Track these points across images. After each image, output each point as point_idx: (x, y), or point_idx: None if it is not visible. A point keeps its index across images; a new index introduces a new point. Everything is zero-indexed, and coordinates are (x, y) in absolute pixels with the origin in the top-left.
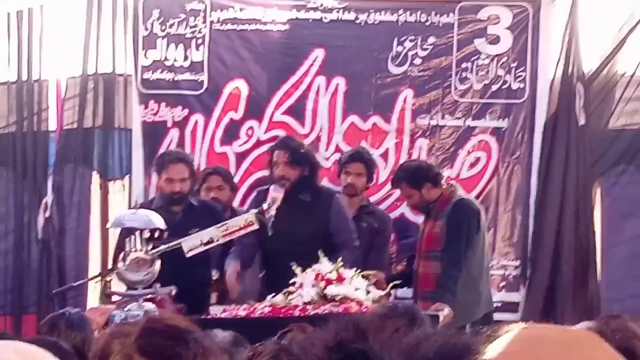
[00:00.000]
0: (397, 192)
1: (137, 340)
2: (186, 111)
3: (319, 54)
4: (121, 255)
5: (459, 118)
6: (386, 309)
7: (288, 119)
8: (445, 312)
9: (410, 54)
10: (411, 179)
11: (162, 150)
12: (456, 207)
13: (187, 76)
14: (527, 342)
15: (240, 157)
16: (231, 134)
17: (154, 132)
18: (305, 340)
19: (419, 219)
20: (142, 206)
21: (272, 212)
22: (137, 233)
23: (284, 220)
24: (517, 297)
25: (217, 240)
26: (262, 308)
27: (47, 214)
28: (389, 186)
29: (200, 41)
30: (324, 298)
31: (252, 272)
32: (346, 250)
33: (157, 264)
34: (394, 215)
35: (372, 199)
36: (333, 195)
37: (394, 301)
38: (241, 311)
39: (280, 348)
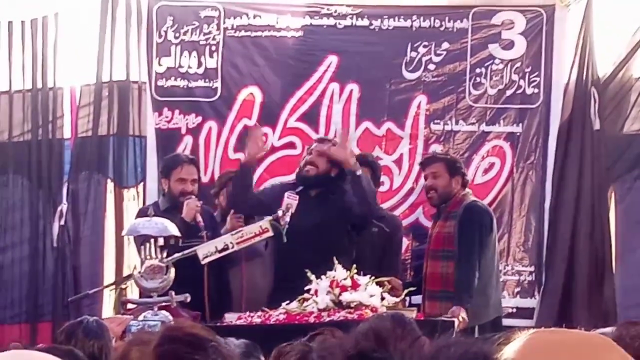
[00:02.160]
0: (412, 198)
1: (156, 348)
2: (200, 118)
3: (332, 60)
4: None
5: (473, 123)
6: (372, 322)
7: (302, 125)
8: (461, 317)
9: (424, 59)
10: (452, 163)
11: None
12: (468, 209)
13: (201, 83)
14: (540, 347)
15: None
16: (245, 140)
17: (168, 139)
18: (325, 348)
19: None
20: (146, 210)
21: (287, 218)
22: (152, 240)
23: (305, 212)
24: (532, 302)
25: (232, 247)
26: (277, 315)
27: (62, 222)
28: (403, 192)
29: (214, 48)
30: (339, 305)
31: (264, 275)
32: None
33: (172, 272)
34: (408, 221)
35: (387, 204)
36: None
37: (381, 312)
38: (256, 318)
39: (308, 350)
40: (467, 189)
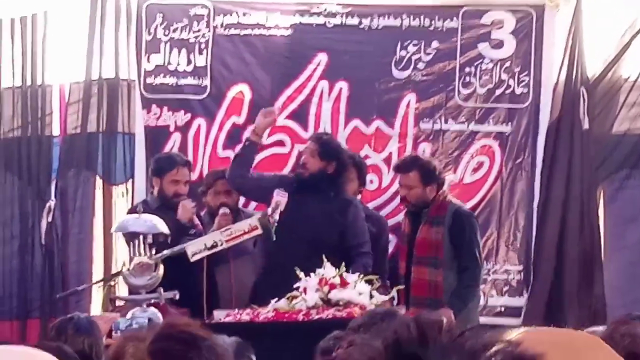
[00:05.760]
0: (399, 197)
1: (150, 345)
2: (189, 115)
3: (322, 58)
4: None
5: (462, 122)
6: (366, 317)
7: (291, 124)
8: (448, 318)
9: (413, 58)
10: (426, 172)
11: None
12: (461, 217)
13: (190, 81)
14: (529, 345)
15: None
16: (234, 138)
17: (156, 136)
18: (371, 335)
19: None
20: (137, 207)
21: (276, 216)
22: (141, 237)
23: (301, 209)
24: (520, 302)
25: (221, 245)
26: (265, 313)
27: (50, 219)
28: (391, 191)
29: (203, 46)
30: (328, 303)
31: (252, 272)
32: (358, 257)
33: (161, 269)
34: (396, 219)
35: (375, 203)
36: (353, 200)
37: (372, 308)
38: (244, 316)
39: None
40: (444, 189)
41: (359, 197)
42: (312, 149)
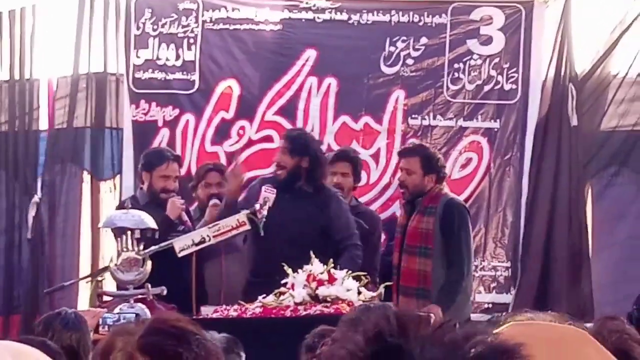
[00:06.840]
0: (388, 193)
1: (140, 339)
2: (177, 111)
3: (311, 54)
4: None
5: (450, 118)
6: (358, 312)
7: (280, 119)
8: (437, 314)
9: (402, 54)
10: (428, 160)
11: None
12: (451, 208)
13: (178, 75)
14: (518, 340)
15: (232, 156)
16: (222, 133)
17: (144, 131)
18: (350, 330)
19: None
20: (125, 203)
21: (264, 212)
22: (129, 233)
23: (281, 208)
24: (508, 298)
25: (209, 241)
26: (253, 308)
27: (33, 213)
28: (380, 186)
29: (192, 41)
30: (316, 299)
31: (242, 269)
32: (346, 250)
33: (149, 264)
34: (384, 215)
35: (363, 199)
36: (335, 194)
37: (365, 303)
38: (232, 312)
39: None
40: (443, 183)
41: (351, 193)
42: (283, 147)
